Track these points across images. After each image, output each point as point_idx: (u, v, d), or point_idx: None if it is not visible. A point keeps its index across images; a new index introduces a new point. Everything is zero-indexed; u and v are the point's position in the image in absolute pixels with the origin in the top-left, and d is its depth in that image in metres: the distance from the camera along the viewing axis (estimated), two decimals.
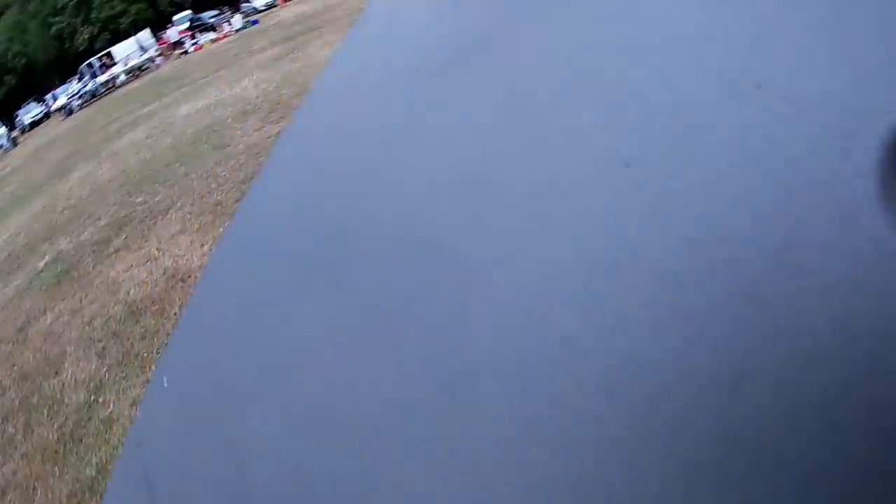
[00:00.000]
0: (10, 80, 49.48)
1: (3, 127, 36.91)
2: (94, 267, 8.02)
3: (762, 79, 0.30)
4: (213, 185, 8.64)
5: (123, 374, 5.01)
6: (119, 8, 51.18)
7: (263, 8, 41.65)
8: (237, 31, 33.80)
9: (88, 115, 26.44)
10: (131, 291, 6.62)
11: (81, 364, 5.56)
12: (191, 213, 8.02)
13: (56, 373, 5.94)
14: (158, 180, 10.10)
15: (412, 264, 0.43)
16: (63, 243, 9.66)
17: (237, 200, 7.68)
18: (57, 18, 52.78)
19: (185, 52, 33.51)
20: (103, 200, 10.67)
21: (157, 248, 7.41)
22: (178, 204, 8.55)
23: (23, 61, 50.70)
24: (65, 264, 8.69)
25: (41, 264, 9.37)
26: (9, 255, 11.15)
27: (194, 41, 35.01)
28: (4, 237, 12.68)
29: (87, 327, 6.49)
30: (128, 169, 11.92)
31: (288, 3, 39.89)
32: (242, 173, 8.65)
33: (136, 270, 7.10)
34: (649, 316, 0.30)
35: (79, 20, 52.38)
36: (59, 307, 7.44)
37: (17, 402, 5.79)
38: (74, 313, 7.03)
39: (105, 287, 7.18)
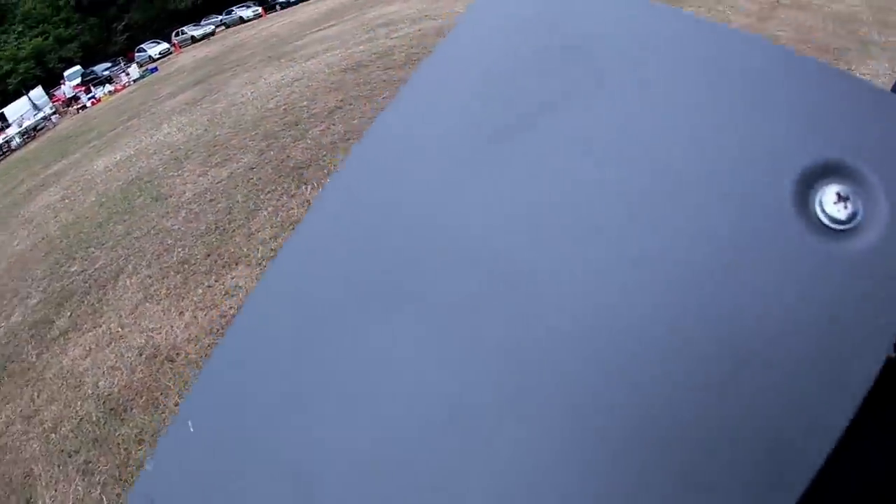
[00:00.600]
0: None
1: None
2: (38, 356, 6.58)
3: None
4: (170, 242, 7.41)
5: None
6: (6, 68, 47.91)
7: (158, 56, 40.08)
8: (136, 80, 32.12)
9: None
10: (100, 383, 5.33)
11: (61, 487, 4.28)
12: (150, 277, 6.75)
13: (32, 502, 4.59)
14: (92, 244, 8.72)
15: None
16: None
17: (208, 255, 6.49)
18: None
19: (84, 107, 31.72)
20: (27, 275, 9.10)
21: (118, 325, 6.11)
22: (130, 268, 7.25)
23: None
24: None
25: None
26: None
27: (90, 95, 33.12)
28: None
29: (54, 435, 5.17)
30: (49, 235, 10.36)
31: (182, 51, 38.42)
32: (201, 223, 7.48)
33: (100, 355, 5.78)
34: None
35: None
36: (6, 413, 5.99)
37: None
38: (28, 419, 5.62)
39: (62, 381, 5.81)
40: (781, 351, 0.36)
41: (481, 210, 0.47)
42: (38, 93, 36.85)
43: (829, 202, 0.37)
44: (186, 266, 6.47)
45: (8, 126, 33.23)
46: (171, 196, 9.07)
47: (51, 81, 41.61)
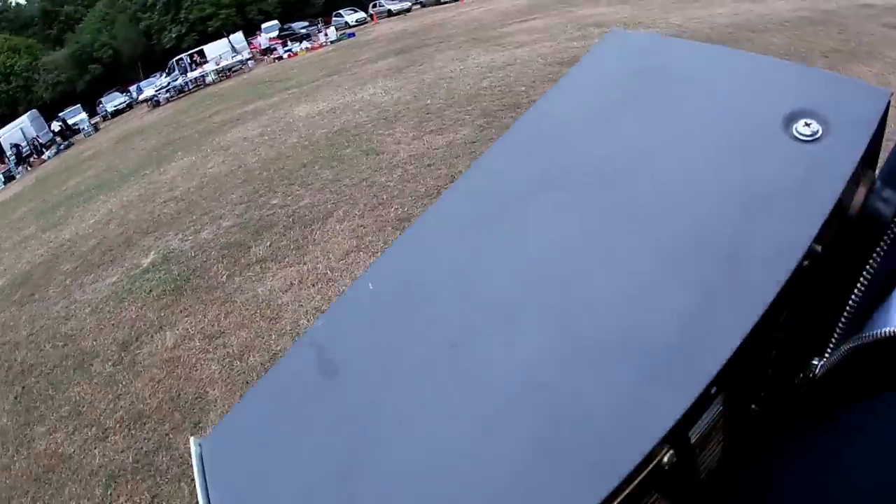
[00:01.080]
0: (95, 69, 50.57)
1: (84, 113, 36.71)
2: (228, 277, 6.20)
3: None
4: (385, 197, 6.85)
5: None
6: (208, 10, 51.39)
7: (355, 23, 41.22)
8: (332, 42, 33.06)
9: (178, 109, 25.56)
10: (301, 321, 4.74)
11: None
12: (363, 227, 6.21)
13: (200, 427, 4.09)
14: (296, 182, 8.40)
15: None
16: (174, 240, 7.91)
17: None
18: (146, 15, 53.28)
19: (279, 58, 33.11)
20: (221, 197, 8.97)
21: (326, 267, 5.56)
22: (340, 213, 6.76)
23: (109, 52, 50.91)
24: (182, 267, 6.90)
25: (145, 262, 7.62)
26: (98, 243, 9.49)
27: (287, 48, 34.52)
28: (90, 222, 11.11)
29: (238, 363, 4.65)
30: (247, 165, 10.28)
31: (378, 22, 39.32)
32: (419, 185, 6.87)
33: (303, 293, 5.26)
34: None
35: (167, 18, 52.77)
36: (184, 325, 5.63)
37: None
38: (211, 339, 5.17)
39: (255, 309, 5.34)
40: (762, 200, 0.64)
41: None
42: (238, 37, 39.20)
43: (802, 126, 0.68)
44: (405, 224, 5.86)
45: (206, 62, 35.50)
46: (382, 153, 8.65)
47: (248, 31, 43.98)
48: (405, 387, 0.63)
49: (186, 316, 5.86)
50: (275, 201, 7.98)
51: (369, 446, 0.59)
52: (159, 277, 6.93)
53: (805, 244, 0.58)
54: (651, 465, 0.51)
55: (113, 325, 6.43)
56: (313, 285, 5.36)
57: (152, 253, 7.85)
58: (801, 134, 0.67)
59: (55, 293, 8.34)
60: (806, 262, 0.59)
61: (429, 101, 10.96)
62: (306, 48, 33.29)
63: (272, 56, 34.87)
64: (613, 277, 0.63)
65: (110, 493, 4.39)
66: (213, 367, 4.88)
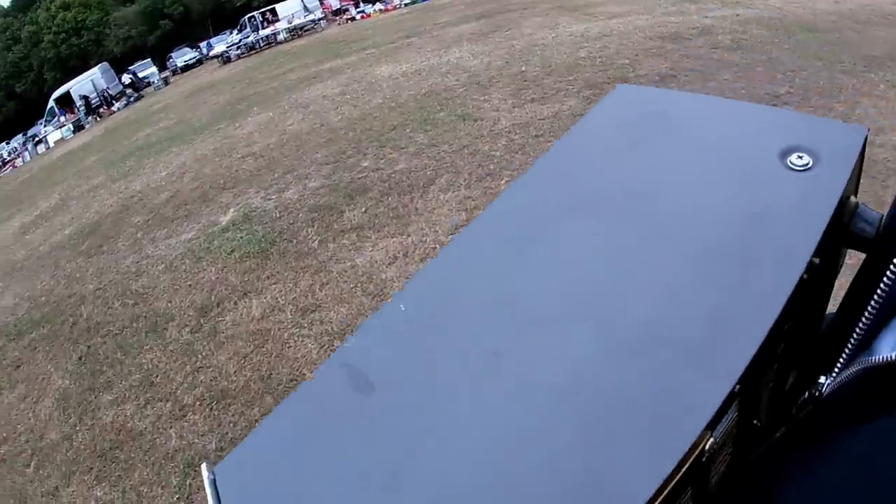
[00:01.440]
0: (166, 25, 51.09)
1: (154, 67, 37.05)
2: (321, 244, 5.57)
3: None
4: (492, 167, 6.13)
5: None
6: None
7: None
8: (406, 4, 32.32)
9: (249, 66, 25.12)
10: None
11: None
12: (472, 199, 5.51)
13: None
14: (387, 145, 7.71)
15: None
16: (255, 199, 7.34)
17: None
18: None
19: (352, 19, 32.47)
20: (305, 156, 8.37)
21: (434, 241, 4.88)
22: (443, 181, 6.05)
23: (179, 8, 51.29)
24: (266, 228, 6.30)
25: (224, 219, 7.07)
26: (171, 196, 9.04)
27: (360, 9, 33.94)
28: (162, 174, 10.72)
29: (338, 342, 4.01)
30: (330, 124, 9.65)
31: None
32: (528, 158, 6.14)
33: (410, 267, 4.63)
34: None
35: None
36: (272, 293, 5.05)
37: None
38: (304, 312, 4.55)
39: (356, 283, 4.73)
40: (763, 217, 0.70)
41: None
42: None
43: (795, 159, 0.75)
44: None
45: (277, 20, 35.25)
46: (480, 119, 7.91)
47: None
48: (447, 398, 0.63)
49: (274, 283, 5.26)
50: (365, 164, 7.32)
51: (406, 462, 0.58)
52: (241, 238, 6.37)
53: (807, 255, 0.65)
54: (695, 453, 0.53)
55: (189, 286, 5.89)
56: (421, 260, 4.68)
57: (231, 210, 7.31)
58: (794, 165, 0.76)
59: (125, 246, 7.90)
60: (806, 276, 0.64)
61: (524, 69, 10.17)
62: (379, 10, 32.68)
63: (344, 17, 34.32)
64: (643, 284, 0.68)
65: (189, 484, 3.83)
66: (310, 345, 4.27)
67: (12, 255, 10.97)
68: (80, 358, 5.72)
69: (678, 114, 0.94)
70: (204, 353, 4.75)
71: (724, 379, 0.56)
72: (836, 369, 0.61)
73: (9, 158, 36.66)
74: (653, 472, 0.51)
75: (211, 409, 4.23)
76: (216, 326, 5.00)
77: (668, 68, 8.79)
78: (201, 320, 5.18)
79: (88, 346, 5.82)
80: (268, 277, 5.39)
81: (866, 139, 0.79)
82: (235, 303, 5.19)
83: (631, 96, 1.05)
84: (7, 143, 42.28)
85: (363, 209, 6.00)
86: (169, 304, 5.73)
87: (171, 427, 4.27)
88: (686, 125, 0.91)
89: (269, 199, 7.15)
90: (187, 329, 5.17)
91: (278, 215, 6.60)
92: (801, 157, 0.76)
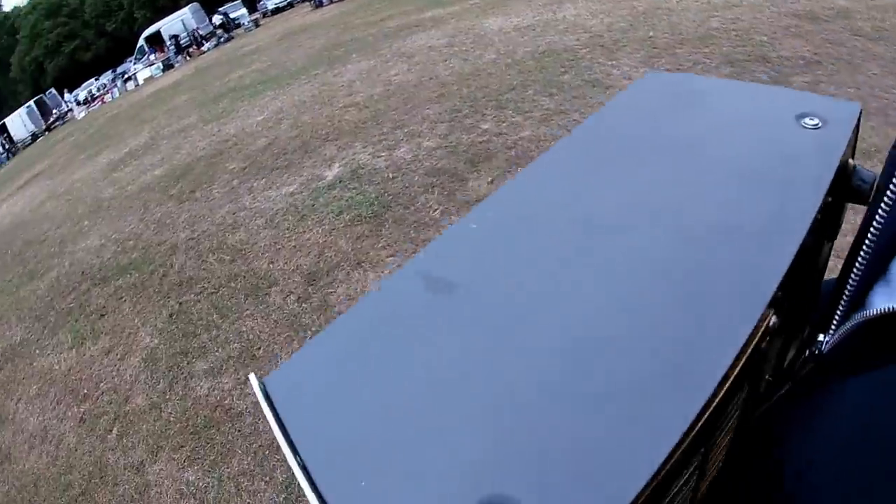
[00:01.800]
0: None
1: (245, 8, 37.20)
2: (443, 213, 4.98)
3: None
4: None
5: None
6: None
7: None
8: None
9: (343, 10, 24.53)
10: None
11: None
12: None
13: None
14: (508, 107, 6.99)
15: None
16: (363, 154, 6.77)
17: None
18: None
19: None
20: (414, 111, 7.74)
21: None
22: None
23: None
24: (378, 189, 5.73)
25: (329, 174, 6.54)
26: (269, 143, 8.59)
27: None
28: (258, 118, 10.32)
29: None
30: (440, 78, 8.99)
31: None
32: None
33: None
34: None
35: None
36: (388, 267, 4.48)
37: None
38: None
39: None
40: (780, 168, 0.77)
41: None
42: None
43: (807, 121, 0.84)
44: None
45: None
46: (612, 87, 7.09)
47: None
48: (519, 303, 0.64)
49: (391, 255, 4.69)
50: (485, 126, 6.64)
51: (482, 359, 0.59)
52: (350, 198, 5.82)
53: (824, 188, 0.71)
54: (761, 329, 0.57)
55: (293, 247, 5.39)
56: None
57: (337, 165, 6.78)
58: (807, 125, 0.85)
59: (220, 194, 7.51)
60: (819, 216, 0.68)
61: (651, 34, 9.22)
62: None
63: None
64: (702, 198, 0.75)
65: (297, 486, 3.32)
66: None
67: (100, 193, 10.85)
68: (170, 315, 5.33)
69: (708, 90, 1.04)
70: (314, 329, 4.24)
71: (779, 266, 0.61)
72: (833, 326, 0.65)
73: (98, 94, 37.64)
74: (731, 339, 0.55)
75: None
76: (326, 299, 4.48)
77: (811, 52, 7.75)
78: (309, 289, 4.67)
79: (180, 303, 5.43)
80: (383, 248, 4.82)
81: (861, 112, 0.89)
82: (348, 273, 4.65)
83: (661, 79, 1.12)
84: (97, 80, 43.54)
85: (489, 178, 5.34)
86: (271, 266, 5.25)
87: None
88: (719, 97, 1.01)
89: (379, 157, 6.58)
90: (293, 297, 4.67)
91: (391, 176, 6.01)
92: (812, 119, 0.86)
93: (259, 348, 4.34)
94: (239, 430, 3.80)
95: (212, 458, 3.74)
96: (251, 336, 4.50)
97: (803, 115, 0.87)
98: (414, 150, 6.46)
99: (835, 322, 0.64)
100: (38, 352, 6.16)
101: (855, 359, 0.61)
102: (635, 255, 0.66)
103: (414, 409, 0.56)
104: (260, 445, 3.64)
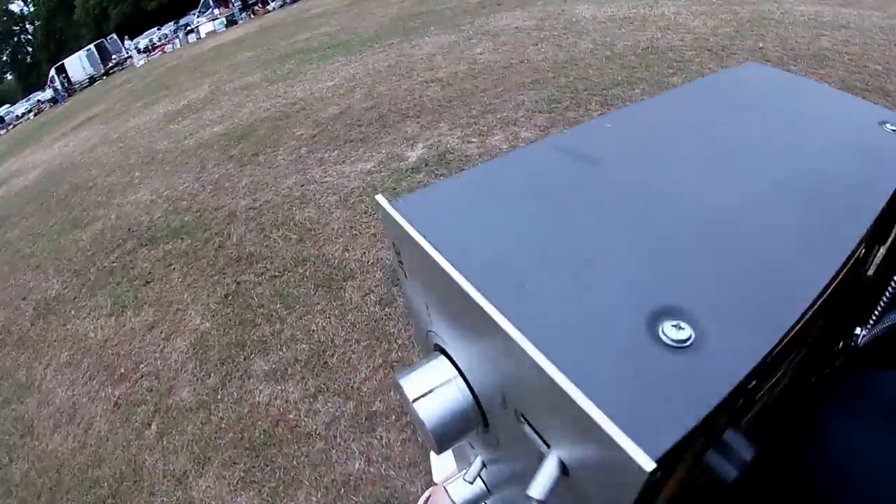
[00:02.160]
0: None
1: None
2: None
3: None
4: None
5: None
6: None
7: None
8: None
9: None
10: None
11: None
12: None
13: None
14: (614, 104, 6.25)
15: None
16: (450, 137, 6.08)
17: None
18: None
19: None
20: (506, 94, 7.01)
21: None
22: None
23: None
24: None
25: (412, 155, 5.87)
26: (341, 112, 7.93)
27: None
28: (328, 84, 9.67)
29: None
30: (531, 62, 8.25)
31: None
32: None
33: None
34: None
35: None
36: None
37: None
38: None
39: None
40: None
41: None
42: None
43: (889, 126, 0.79)
44: None
45: None
46: None
47: None
48: (666, 178, 0.66)
49: None
50: (575, 115, 5.90)
51: (624, 205, 0.60)
52: None
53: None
54: (861, 248, 0.58)
55: (373, 235, 4.75)
56: None
57: (420, 146, 6.08)
58: (889, 129, 0.79)
59: (285, 161, 6.87)
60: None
61: (761, 45, 8.31)
62: None
63: None
64: (804, 148, 0.75)
65: None
66: None
67: (154, 144, 10.32)
68: (225, 296, 4.71)
69: (804, 87, 0.99)
70: (400, 342, 3.56)
71: (875, 205, 0.60)
72: (871, 321, 0.64)
73: (159, 44, 37.46)
74: (849, 232, 0.56)
75: (412, 428, 3.05)
76: None
77: None
78: (393, 290, 3.99)
79: (237, 283, 4.80)
80: None
81: None
82: None
83: (761, 70, 1.09)
84: (158, 29, 43.45)
85: None
86: (346, 254, 4.58)
87: (352, 439, 3.13)
88: (813, 94, 0.97)
89: (470, 142, 5.86)
90: (373, 298, 4.00)
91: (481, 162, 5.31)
92: (893, 125, 0.82)
93: (332, 355, 3.68)
94: (307, 457, 3.15)
95: (272, 485, 3.10)
96: (322, 337, 3.85)
97: (885, 122, 0.85)
98: (510, 139, 5.74)
99: (874, 316, 0.64)
100: (73, 312, 5.61)
101: (890, 354, 0.62)
102: (762, 173, 0.67)
103: (576, 235, 0.56)
104: (333, 480, 2.99)
